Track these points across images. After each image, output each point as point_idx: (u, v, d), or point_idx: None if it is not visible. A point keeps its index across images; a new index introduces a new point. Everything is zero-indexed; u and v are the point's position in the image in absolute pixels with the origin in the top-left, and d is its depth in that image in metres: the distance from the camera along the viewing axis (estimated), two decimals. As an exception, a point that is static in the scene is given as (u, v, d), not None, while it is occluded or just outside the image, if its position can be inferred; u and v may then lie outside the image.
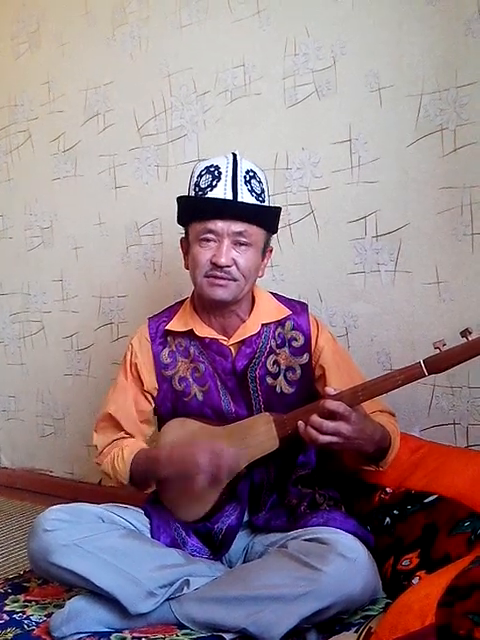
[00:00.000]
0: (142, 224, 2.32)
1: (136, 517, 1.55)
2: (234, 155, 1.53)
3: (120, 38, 2.32)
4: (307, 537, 1.40)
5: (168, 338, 1.63)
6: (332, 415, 1.35)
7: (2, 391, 2.79)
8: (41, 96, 2.54)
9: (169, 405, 1.63)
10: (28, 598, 1.58)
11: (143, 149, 2.30)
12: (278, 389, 1.58)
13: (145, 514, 1.58)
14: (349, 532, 1.39)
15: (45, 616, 1.48)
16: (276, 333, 1.60)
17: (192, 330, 1.60)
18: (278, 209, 1.61)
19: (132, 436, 1.64)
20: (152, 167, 2.28)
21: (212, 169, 1.52)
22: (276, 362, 1.59)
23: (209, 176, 1.52)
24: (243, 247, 1.51)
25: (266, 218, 1.55)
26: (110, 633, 1.39)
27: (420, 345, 1.81)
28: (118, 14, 2.32)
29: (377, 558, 1.41)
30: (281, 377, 1.58)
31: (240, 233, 1.50)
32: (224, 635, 1.35)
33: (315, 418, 1.36)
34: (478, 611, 0.99)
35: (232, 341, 1.58)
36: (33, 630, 1.43)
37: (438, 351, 1.38)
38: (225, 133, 2.11)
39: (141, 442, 1.62)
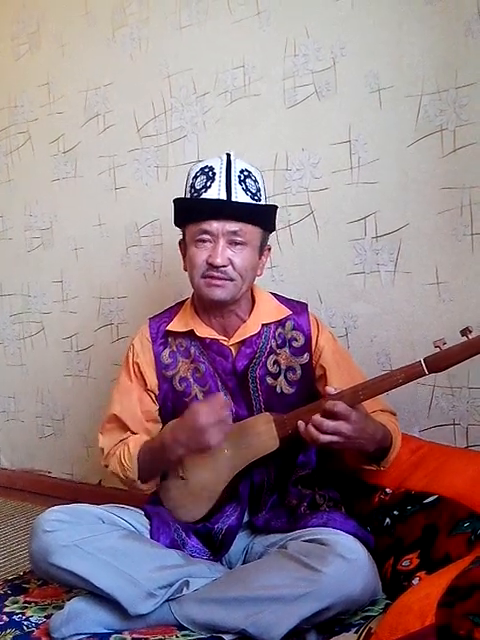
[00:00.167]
0: (142, 225, 2.32)
1: (136, 518, 1.55)
2: (228, 155, 1.54)
3: (120, 39, 2.33)
4: (307, 538, 1.40)
5: (169, 339, 1.63)
6: (333, 415, 1.35)
7: (2, 392, 2.79)
8: (41, 97, 2.55)
9: (170, 405, 1.63)
10: (28, 599, 1.58)
11: (143, 150, 2.30)
12: (278, 389, 1.58)
13: (145, 515, 1.58)
14: (349, 533, 1.39)
15: (45, 617, 1.47)
16: (276, 333, 1.60)
17: (193, 330, 1.60)
18: (273, 207, 1.61)
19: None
20: (152, 168, 2.28)
21: (206, 170, 1.53)
22: (276, 362, 1.59)
23: (204, 177, 1.52)
24: (239, 246, 1.51)
25: (261, 216, 1.55)
26: (110, 634, 1.39)
27: (420, 345, 1.81)
28: (118, 15, 2.32)
29: (377, 559, 1.40)
30: (281, 377, 1.58)
31: (235, 232, 1.50)
32: (224, 636, 1.35)
33: (316, 417, 1.36)
34: (478, 612, 0.99)
35: (232, 341, 1.59)
36: (33, 631, 1.42)
37: (438, 350, 1.38)
38: (225, 134, 2.11)
39: (145, 437, 1.61)
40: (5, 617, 1.48)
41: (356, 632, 1.26)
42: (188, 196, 1.56)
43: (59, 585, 1.55)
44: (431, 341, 1.39)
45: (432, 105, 1.78)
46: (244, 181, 1.52)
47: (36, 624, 1.45)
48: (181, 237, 1.62)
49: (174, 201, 1.59)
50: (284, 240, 2.01)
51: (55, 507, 1.48)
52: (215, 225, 1.50)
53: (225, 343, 1.59)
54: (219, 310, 1.58)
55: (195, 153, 2.17)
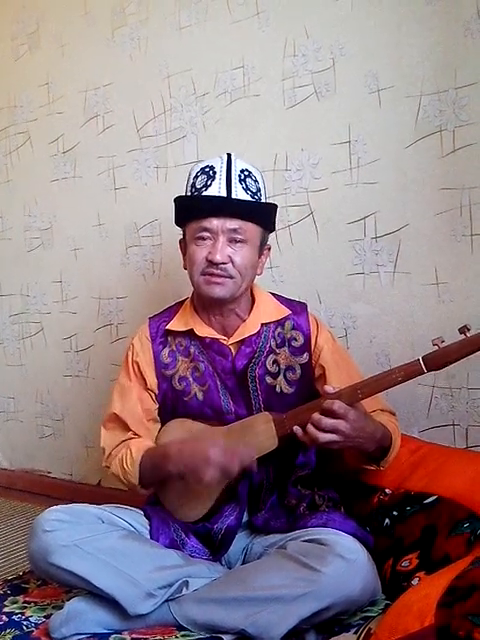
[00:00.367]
0: (141, 225, 2.32)
1: (135, 518, 1.55)
2: (229, 155, 1.55)
3: (119, 39, 2.33)
4: (306, 538, 1.40)
5: (168, 338, 1.63)
6: (331, 413, 1.35)
7: (1, 392, 2.79)
8: (40, 97, 2.55)
9: (169, 404, 1.63)
10: (27, 599, 1.58)
11: (142, 150, 2.30)
12: (278, 389, 1.58)
13: (144, 515, 1.58)
14: (348, 533, 1.39)
15: (44, 617, 1.47)
16: (276, 333, 1.60)
17: (192, 330, 1.60)
18: (273, 206, 1.61)
19: (139, 436, 1.63)
20: (151, 168, 2.28)
21: (207, 169, 1.54)
22: (276, 362, 1.59)
23: (204, 176, 1.53)
24: (239, 244, 1.52)
25: (261, 215, 1.56)
26: (109, 634, 1.39)
27: (419, 346, 1.80)
28: (117, 15, 2.32)
29: (376, 559, 1.41)
30: (281, 377, 1.59)
31: (235, 230, 1.50)
32: (223, 636, 1.35)
33: (315, 415, 1.36)
34: (478, 612, 0.99)
35: (232, 340, 1.59)
36: (32, 631, 1.42)
37: (437, 348, 1.38)
38: (224, 134, 2.11)
39: (148, 441, 1.61)
40: (5, 617, 1.48)
41: (355, 632, 1.27)
42: (189, 195, 1.56)
43: (58, 585, 1.56)
44: (430, 342, 1.39)
45: (431, 105, 1.78)
46: (244, 180, 1.52)
47: (36, 624, 1.45)
48: (182, 237, 1.62)
49: (175, 200, 1.60)
50: (283, 241, 2.01)
51: (55, 507, 1.48)
52: (215, 222, 1.50)
53: (225, 342, 1.59)
54: (219, 309, 1.58)
55: (195, 153, 2.17)
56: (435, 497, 1.49)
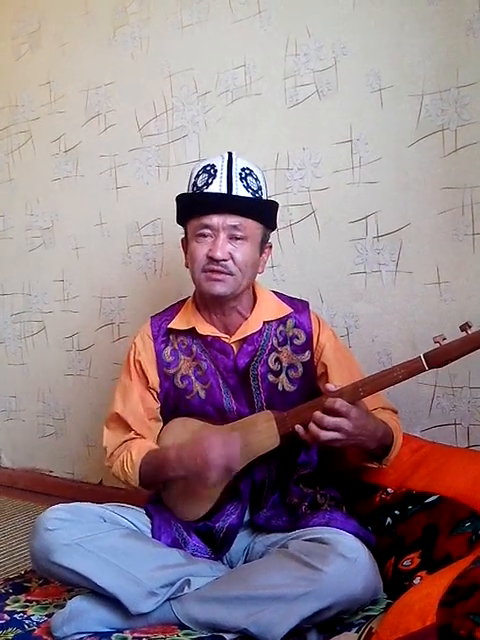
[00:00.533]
0: (143, 224, 2.32)
1: (137, 517, 1.55)
2: (230, 154, 1.55)
3: (121, 38, 2.33)
4: (308, 537, 1.40)
5: (170, 336, 1.64)
6: (333, 412, 1.35)
7: (3, 391, 2.79)
8: (42, 96, 2.55)
9: (171, 403, 1.63)
10: (29, 598, 1.58)
11: (144, 149, 2.30)
12: (280, 387, 1.58)
13: (146, 514, 1.58)
14: (350, 532, 1.39)
15: (46, 616, 1.48)
16: (277, 331, 1.60)
17: (194, 328, 1.60)
18: (274, 203, 1.61)
19: (141, 436, 1.63)
20: (153, 167, 2.28)
21: (208, 168, 1.54)
22: (278, 360, 1.59)
23: (206, 175, 1.53)
24: (239, 241, 1.52)
25: (262, 212, 1.56)
26: (111, 633, 1.39)
27: (421, 345, 1.80)
28: (119, 14, 2.32)
29: (378, 558, 1.40)
30: (283, 375, 1.59)
31: (235, 227, 1.51)
32: (225, 635, 1.35)
33: (316, 413, 1.36)
34: (479, 611, 0.99)
35: (234, 339, 1.59)
36: (34, 630, 1.42)
37: (438, 345, 1.38)
38: (226, 133, 2.11)
39: (150, 442, 1.62)
40: (6, 616, 1.48)
41: (357, 631, 1.27)
42: (190, 193, 1.57)
43: (60, 584, 1.56)
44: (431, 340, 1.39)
45: (433, 105, 1.77)
46: (245, 178, 1.53)
47: (37, 623, 1.45)
48: (183, 235, 1.62)
49: (176, 198, 1.60)
50: (285, 240, 2.01)
51: (56, 505, 1.48)
52: (216, 219, 1.50)
53: (226, 340, 1.59)
54: (220, 307, 1.58)
55: (196, 152, 2.17)
56: (437, 496, 1.49)
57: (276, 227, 1.64)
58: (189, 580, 1.43)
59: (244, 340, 1.59)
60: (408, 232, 1.84)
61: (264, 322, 1.60)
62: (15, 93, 2.63)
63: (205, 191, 1.52)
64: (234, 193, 1.50)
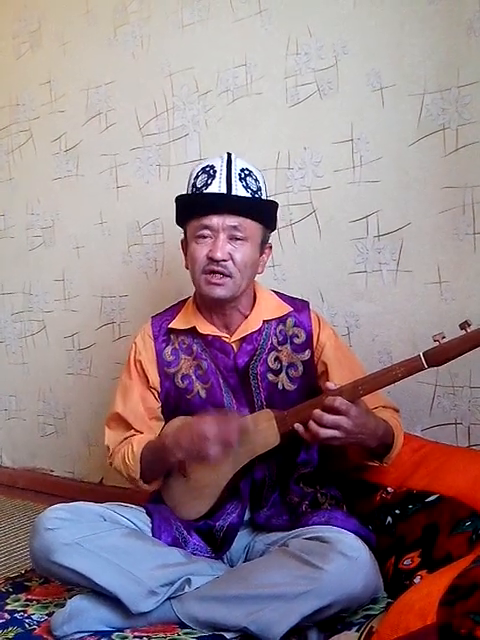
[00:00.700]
0: (144, 224, 2.32)
1: (137, 516, 1.55)
2: (229, 154, 1.55)
3: (121, 37, 2.33)
4: (308, 536, 1.40)
5: (171, 336, 1.64)
6: (333, 410, 1.35)
7: (3, 390, 2.79)
8: (42, 96, 2.55)
9: (172, 403, 1.63)
10: (29, 597, 1.58)
11: (145, 149, 2.30)
12: (280, 386, 1.58)
13: (146, 513, 1.58)
14: (350, 531, 1.39)
15: (46, 615, 1.48)
16: (277, 330, 1.60)
17: (195, 328, 1.60)
18: (274, 203, 1.61)
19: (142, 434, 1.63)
20: (154, 167, 2.28)
21: (207, 169, 1.54)
22: (277, 359, 1.59)
23: (205, 175, 1.53)
24: (239, 242, 1.52)
25: (261, 212, 1.56)
26: (111, 632, 1.39)
27: (422, 344, 1.79)
28: (119, 13, 2.32)
29: (378, 557, 1.41)
30: (283, 374, 1.59)
31: (235, 227, 1.50)
32: (225, 634, 1.35)
33: (316, 411, 1.36)
34: (479, 610, 0.99)
35: (234, 338, 1.59)
36: (34, 629, 1.42)
37: (437, 344, 1.38)
38: (227, 133, 2.11)
39: (151, 436, 1.61)
40: (7, 615, 1.48)
41: (357, 630, 1.27)
42: (189, 194, 1.57)
43: (61, 583, 1.56)
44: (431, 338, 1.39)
45: (434, 104, 1.77)
46: (244, 179, 1.53)
47: (38, 622, 1.46)
48: (183, 237, 1.62)
49: (176, 199, 1.60)
50: (286, 239, 2.01)
51: (57, 505, 1.49)
52: (215, 220, 1.50)
53: (227, 340, 1.59)
54: (220, 307, 1.59)
55: (197, 152, 2.17)
56: (437, 496, 1.49)
57: (276, 227, 1.64)
58: (189, 579, 1.43)
59: (244, 339, 1.59)
60: (409, 231, 1.84)
61: (263, 321, 1.60)
62: (16, 92, 2.63)
63: (204, 192, 1.52)
64: (233, 193, 1.50)
